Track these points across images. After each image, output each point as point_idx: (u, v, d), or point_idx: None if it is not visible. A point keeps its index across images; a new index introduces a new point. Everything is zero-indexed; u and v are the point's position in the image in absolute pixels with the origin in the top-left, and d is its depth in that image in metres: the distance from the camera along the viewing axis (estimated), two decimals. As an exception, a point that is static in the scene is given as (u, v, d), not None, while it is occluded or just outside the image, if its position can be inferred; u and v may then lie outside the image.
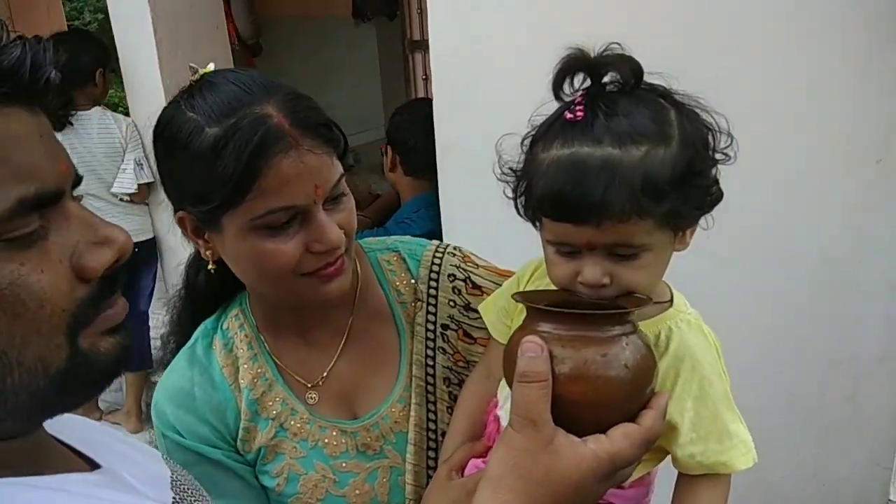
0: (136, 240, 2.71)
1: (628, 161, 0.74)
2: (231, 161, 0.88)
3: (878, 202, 1.75)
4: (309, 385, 1.10)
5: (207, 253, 1.01)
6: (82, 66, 3.26)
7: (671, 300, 0.90)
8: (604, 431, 0.74)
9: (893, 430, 1.88)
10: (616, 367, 0.73)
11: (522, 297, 0.82)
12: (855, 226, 1.79)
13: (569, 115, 0.78)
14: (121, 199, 3.51)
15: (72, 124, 3.29)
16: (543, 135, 0.82)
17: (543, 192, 0.78)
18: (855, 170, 1.75)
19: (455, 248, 1.21)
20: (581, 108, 0.78)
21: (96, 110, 3.38)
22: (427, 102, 2.37)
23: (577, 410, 0.74)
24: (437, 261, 1.17)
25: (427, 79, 4.52)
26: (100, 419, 3.80)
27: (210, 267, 1.03)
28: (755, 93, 1.76)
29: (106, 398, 4.01)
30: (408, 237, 1.25)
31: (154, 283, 3.72)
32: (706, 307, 0.92)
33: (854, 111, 1.72)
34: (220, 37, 2.99)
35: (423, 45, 4.49)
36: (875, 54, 1.67)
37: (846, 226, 1.80)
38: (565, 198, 0.76)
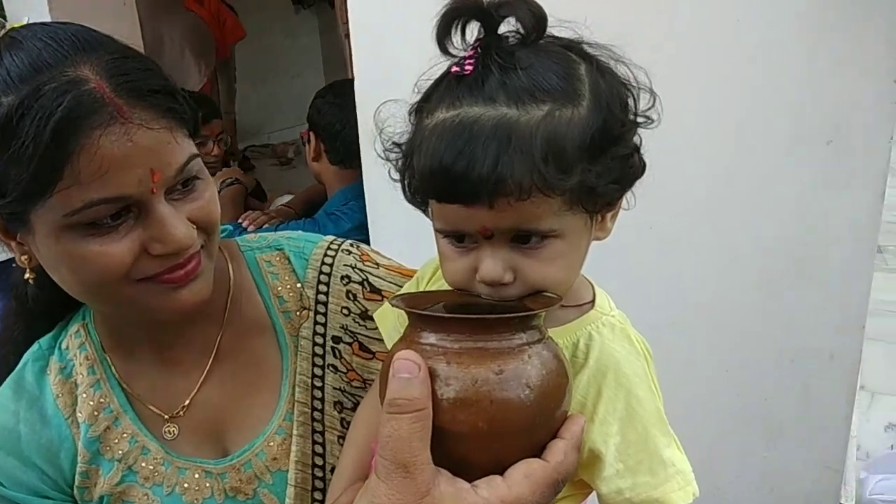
0: None
1: (527, 123, 0.64)
2: (30, 139, 0.69)
3: (829, 187, 1.64)
4: (167, 416, 0.93)
5: (23, 259, 0.82)
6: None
7: (593, 300, 0.79)
8: (501, 471, 0.61)
9: (845, 431, 1.79)
10: (515, 386, 0.60)
11: (403, 300, 0.70)
12: (805, 212, 1.68)
13: (455, 69, 0.67)
14: None
15: None
16: (428, 98, 0.70)
17: (424, 166, 0.66)
18: (804, 152, 1.64)
19: (352, 245, 1.04)
20: (471, 61, 0.67)
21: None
22: (349, 84, 2.18)
23: (465, 446, 0.61)
24: (328, 260, 1.01)
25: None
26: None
27: (27, 276, 0.84)
28: (698, 68, 1.64)
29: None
30: (297, 232, 1.08)
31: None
32: (643, 304, 0.79)
33: (803, 88, 1.61)
34: (128, 14, 2.73)
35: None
36: (826, 29, 1.56)
37: (796, 212, 1.69)
38: (450, 172, 0.64)
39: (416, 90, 0.73)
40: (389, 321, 0.90)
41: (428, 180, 0.67)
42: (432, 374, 0.61)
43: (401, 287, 1.00)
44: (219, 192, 2.64)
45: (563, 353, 0.67)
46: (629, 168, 0.71)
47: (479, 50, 0.67)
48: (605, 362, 0.74)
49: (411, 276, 1.00)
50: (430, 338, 0.63)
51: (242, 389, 0.95)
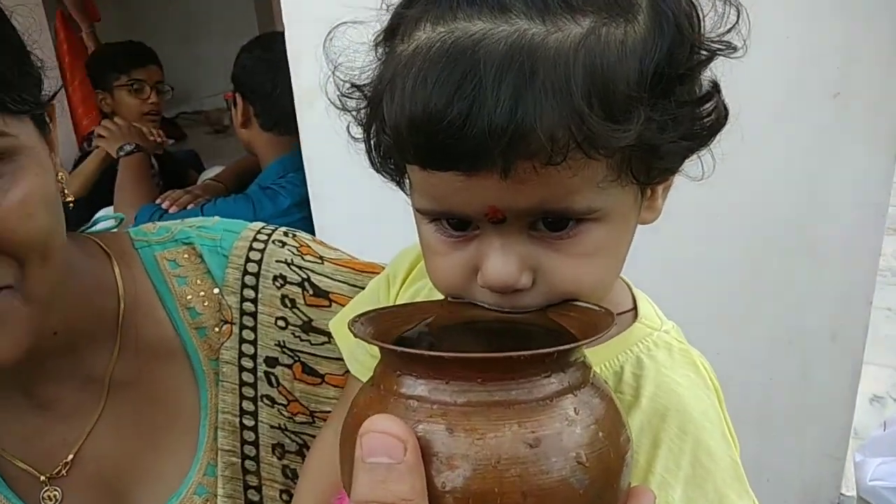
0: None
1: (560, 45, 0.45)
2: None
3: (834, 146, 1.48)
4: (44, 477, 0.73)
5: None
6: None
7: (634, 307, 0.62)
8: None
9: (847, 417, 1.66)
10: (561, 463, 0.40)
11: (370, 323, 0.50)
12: (806, 173, 1.51)
13: None
14: None
15: None
16: (402, 13, 0.52)
17: (401, 114, 0.47)
18: (806, 107, 1.46)
19: (287, 234, 0.84)
20: None
21: None
22: (283, 36, 1.89)
23: None
24: (254, 255, 0.80)
25: (302, 22, 3.95)
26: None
27: None
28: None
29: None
30: (212, 219, 0.84)
31: None
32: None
33: (806, 36, 1.42)
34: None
35: (295, -17, 3.91)
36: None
37: (796, 173, 1.52)
38: (441, 122, 0.45)
39: (384, 5, 0.54)
40: (349, 333, 0.68)
41: (406, 136, 0.47)
42: (426, 451, 0.40)
43: (357, 287, 0.81)
44: (116, 161, 2.29)
45: (615, 396, 0.47)
46: (705, 117, 0.52)
47: None
48: (663, 401, 0.56)
49: (370, 273, 0.81)
50: (419, 387, 0.42)
51: (147, 436, 0.75)
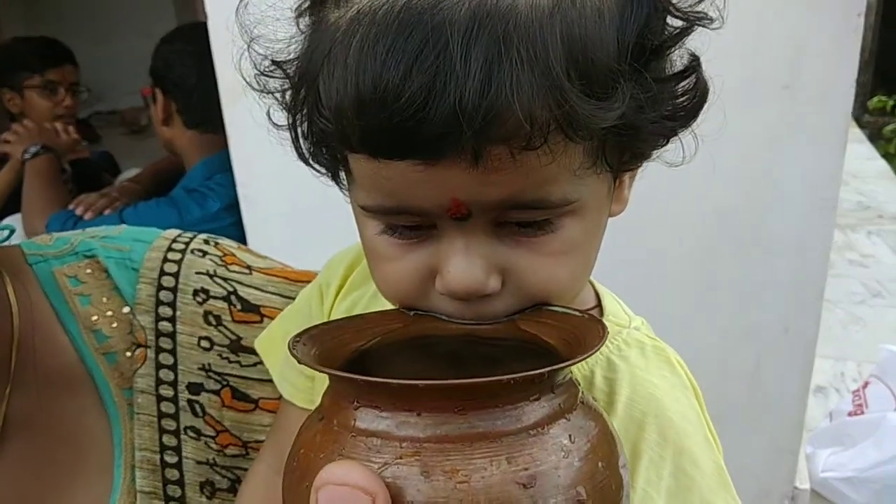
0: None
1: (531, 10, 0.39)
2: None
3: (784, 140, 1.46)
4: None
5: None
6: None
7: (598, 304, 0.58)
8: None
9: (800, 410, 1.65)
10: (564, 501, 0.34)
11: (311, 342, 0.43)
12: (757, 166, 1.48)
13: None
14: None
15: None
16: None
17: (342, 92, 0.40)
18: (757, 100, 1.43)
19: (207, 241, 0.75)
20: None
21: None
22: (203, 29, 1.76)
23: None
24: (170, 268, 0.72)
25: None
26: None
27: None
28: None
29: None
30: (119, 227, 0.75)
31: None
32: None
33: (756, 29, 1.39)
34: None
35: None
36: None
37: (745, 171, 1.49)
38: (395, 100, 0.38)
39: None
40: (278, 351, 0.65)
41: (352, 119, 0.40)
42: (396, 502, 0.33)
43: (289, 300, 0.73)
44: (21, 164, 2.10)
45: (603, 412, 0.41)
46: (685, 94, 0.47)
47: None
48: (641, 406, 0.52)
49: (306, 283, 0.71)
50: (382, 421, 0.35)
51: (51, 480, 0.65)
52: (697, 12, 0.46)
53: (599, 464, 0.37)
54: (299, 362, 0.40)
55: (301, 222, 1.73)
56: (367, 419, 0.36)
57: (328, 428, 0.37)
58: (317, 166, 0.51)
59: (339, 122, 0.41)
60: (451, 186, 0.41)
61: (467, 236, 0.43)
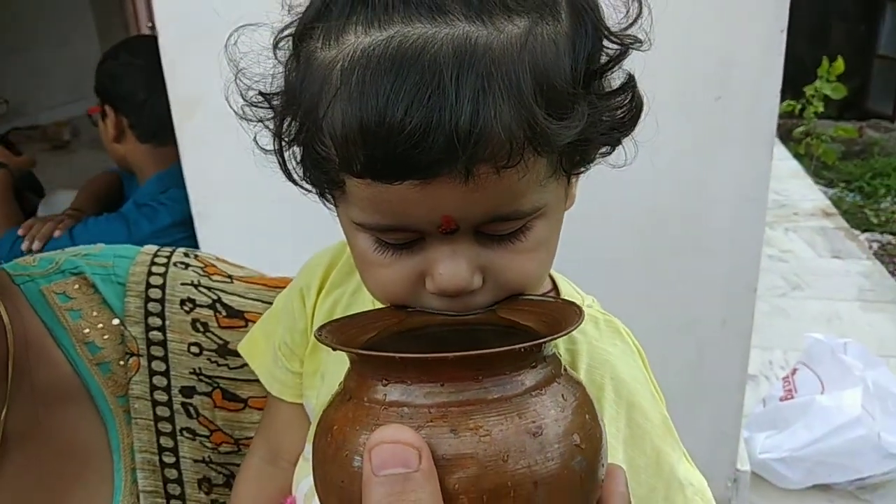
0: None
1: (504, 46, 0.45)
2: None
3: (716, 146, 1.57)
4: None
5: None
6: None
7: (555, 287, 0.64)
8: None
9: (738, 397, 1.77)
10: (563, 450, 0.42)
11: (333, 335, 0.49)
12: (693, 174, 1.60)
13: None
14: None
15: None
16: (321, 15, 0.49)
17: (349, 124, 0.45)
18: (690, 109, 1.55)
19: (187, 254, 0.79)
20: None
21: None
22: (152, 42, 1.74)
23: None
24: (156, 280, 0.75)
25: (153, 27, 3.70)
26: None
27: None
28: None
29: None
30: (97, 246, 0.78)
31: None
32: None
33: (689, 43, 1.50)
34: None
35: (145, -14, 3.66)
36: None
37: (683, 174, 1.60)
38: (400, 130, 0.43)
39: (286, 6, 0.52)
40: (265, 354, 0.70)
41: (358, 148, 0.44)
42: (433, 456, 0.40)
43: (269, 304, 0.77)
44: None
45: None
46: (625, 107, 0.53)
47: None
48: (600, 371, 0.59)
49: (283, 288, 0.76)
50: (412, 393, 0.41)
51: (54, 490, 0.67)
52: (630, 37, 0.53)
53: (587, 416, 0.44)
54: (333, 349, 0.45)
55: (255, 238, 1.74)
56: (397, 392, 0.42)
57: (359, 405, 0.43)
58: (305, 185, 0.55)
59: (344, 150, 0.45)
60: (442, 203, 0.46)
61: (453, 243, 0.49)
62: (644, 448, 0.59)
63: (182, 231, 1.83)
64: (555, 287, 0.64)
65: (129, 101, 1.82)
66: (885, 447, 2.04)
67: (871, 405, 2.10)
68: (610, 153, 0.56)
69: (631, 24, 0.52)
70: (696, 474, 0.62)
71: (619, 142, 0.55)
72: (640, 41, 0.53)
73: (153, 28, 3.68)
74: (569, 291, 0.64)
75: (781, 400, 2.26)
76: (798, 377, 2.30)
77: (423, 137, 0.42)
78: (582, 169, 0.55)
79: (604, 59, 0.51)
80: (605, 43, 0.52)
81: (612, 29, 0.52)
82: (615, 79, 0.53)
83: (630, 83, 0.53)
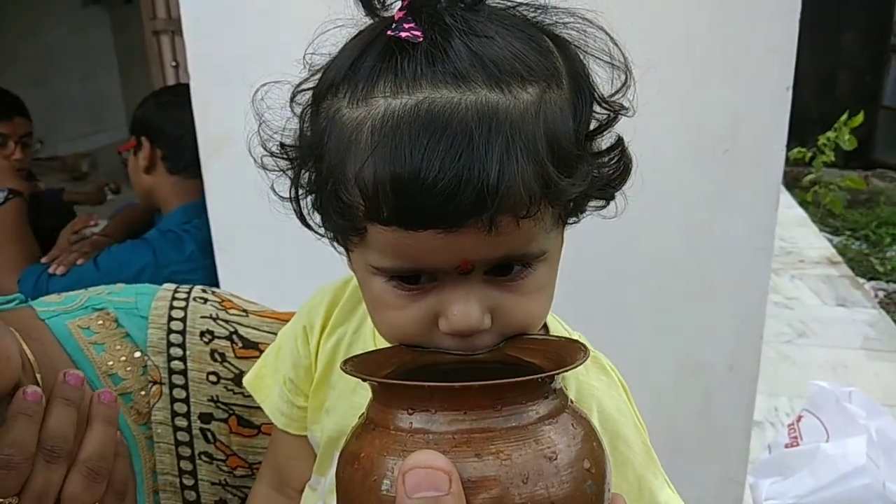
0: None
1: (522, 111, 0.50)
2: None
3: (725, 197, 1.61)
4: None
5: None
6: None
7: (544, 325, 0.66)
8: None
9: (745, 443, 1.77)
10: (576, 473, 0.46)
11: (359, 370, 0.51)
12: (701, 222, 1.64)
13: (404, 34, 0.50)
14: None
15: None
16: (347, 77, 0.53)
17: (381, 178, 0.49)
18: (700, 162, 1.60)
19: (205, 290, 0.84)
20: (413, 24, 0.50)
21: None
22: (186, 88, 1.83)
23: None
24: (177, 314, 0.80)
25: (178, 66, 3.82)
26: None
27: None
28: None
29: None
30: (119, 286, 0.83)
31: None
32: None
33: (698, 96, 1.56)
34: None
35: (171, 27, 3.78)
36: (720, 32, 1.51)
37: (691, 224, 1.64)
38: (433, 185, 0.47)
39: (307, 66, 0.57)
40: (270, 388, 0.73)
41: (386, 198, 0.48)
42: (460, 481, 0.44)
43: None
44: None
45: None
46: (616, 165, 0.59)
47: (410, 9, 0.51)
48: (586, 405, 0.62)
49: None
50: (436, 421, 0.45)
51: None
52: (618, 104, 0.59)
53: (594, 443, 0.48)
54: (364, 380, 0.49)
55: (272, 271, 1.78)
56: (422, 420, 0.46)
57: (385, 433, 0.47)
58: (316, 229, 0.60)
59: (373, 200, 0.49)
60: (463, 249, 0.50)
61: (467, 286, 0.53)
62: (627, 475, 0.63)
63: (204, 258, 1.89)
64: (544, 325, 0.67)
65: (166, 133, 1.93)
66: (890, 496, 2.04)
67: (875, 454, 2.11)
68: (605, 206, 0.61)
69: (618, 92, 0.59)
70: (677, 500, 0.66)
71: (612, 196, 0.60)
72: (627, 108, 0.59)
73: (177, 67, 3.81)
74: (558, 329, 0.68)
75: (787, 447, 2.26)
76: (803, 424, 2.31)
77: (455, 192, 0.47)
78: (578, 219, 0.60)
79: (594, 124, 0.57)
80: (597, 108, 0.58)
81: (607, 97, 0.59)
82: (606, 140, 0.59)
83: (618, 145, 0.59)
